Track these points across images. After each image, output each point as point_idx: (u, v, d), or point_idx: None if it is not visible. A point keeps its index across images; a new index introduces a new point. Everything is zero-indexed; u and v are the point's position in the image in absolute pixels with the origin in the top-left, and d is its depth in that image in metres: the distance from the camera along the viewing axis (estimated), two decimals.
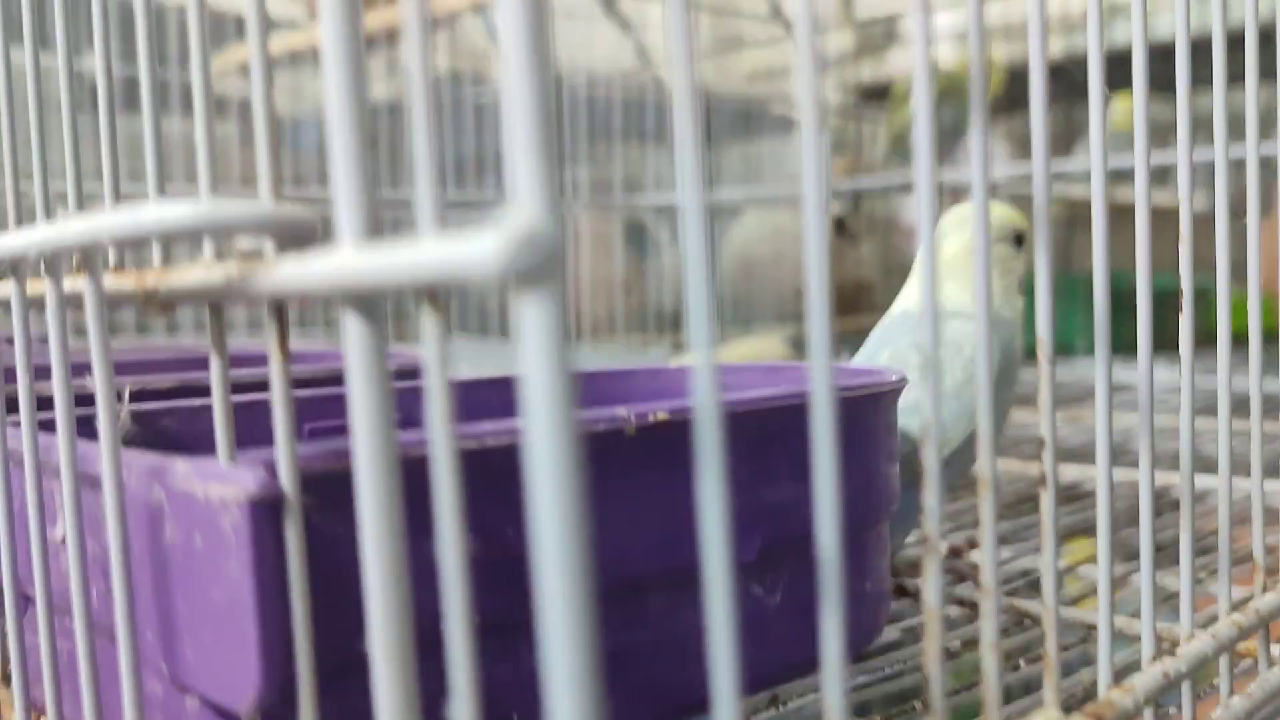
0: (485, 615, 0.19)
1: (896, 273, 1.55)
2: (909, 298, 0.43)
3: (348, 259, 0.17)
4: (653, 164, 1.35)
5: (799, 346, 1.18)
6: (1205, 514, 0.57)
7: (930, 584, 0.21)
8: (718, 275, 1.36)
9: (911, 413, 0.36)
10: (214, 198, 0.23)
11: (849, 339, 1.20)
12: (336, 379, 0.42)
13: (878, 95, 1.67)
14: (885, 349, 0.41)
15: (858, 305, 1.31)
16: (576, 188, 1.31)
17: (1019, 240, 0.42)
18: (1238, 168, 0.33)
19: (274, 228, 0.20)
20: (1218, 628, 0.31)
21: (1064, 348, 1.29)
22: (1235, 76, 0.30)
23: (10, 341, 0.28)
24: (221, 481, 0.23)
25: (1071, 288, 1.35)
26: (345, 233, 0.17)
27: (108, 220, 0.22)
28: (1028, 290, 0.44)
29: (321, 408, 0.39)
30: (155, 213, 0.21)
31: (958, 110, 1.32)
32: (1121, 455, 0.79)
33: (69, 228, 0.23)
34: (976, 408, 0.33)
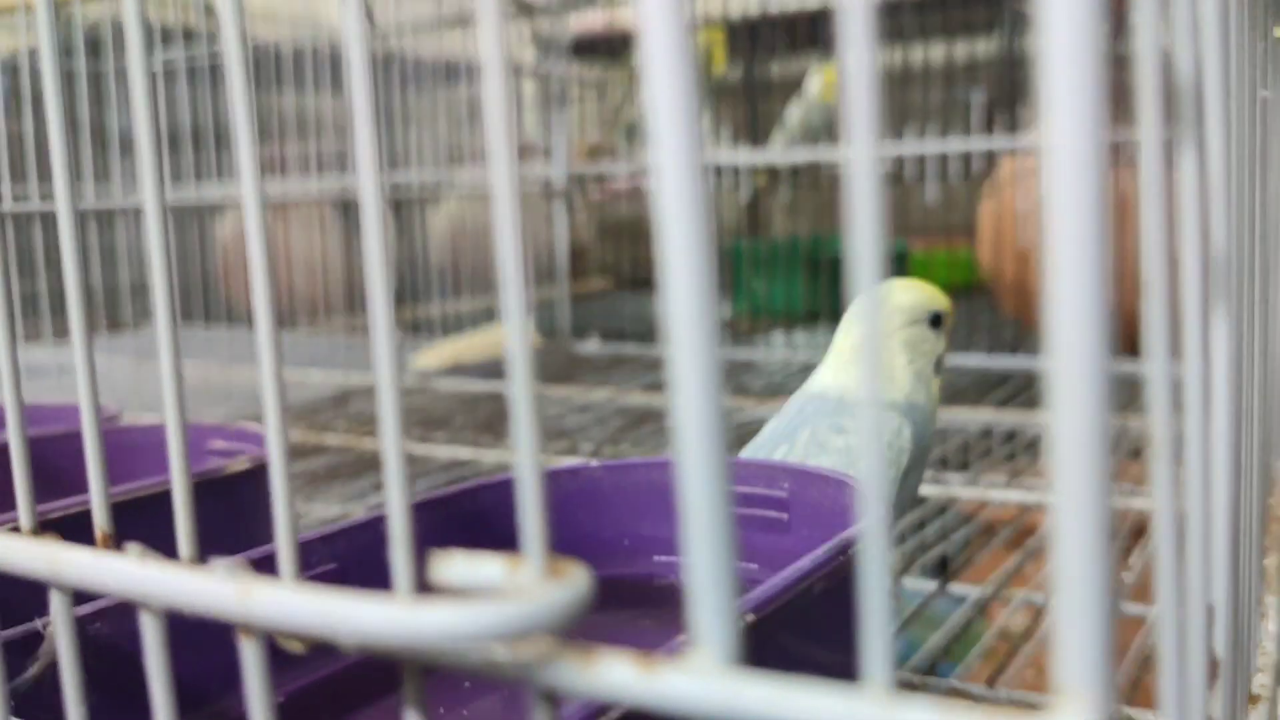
0: None
1: (610, 235, 1.68)
2: (824, 379, 0.42)
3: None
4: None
5: (548, 332, 1.30)
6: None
7: None
8: (429, 248, 1.36)
9: None
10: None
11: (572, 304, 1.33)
12: None
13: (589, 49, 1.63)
14: (804, 428, 0.40)
15: (575, 270, 1.42)
16: (285, 164, 1.28)
17: (936, 321, 0.42)
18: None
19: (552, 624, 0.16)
20: None
21: (768, 314, 1.48)
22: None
23: None
24: None
25: (773, 254, 1.50)
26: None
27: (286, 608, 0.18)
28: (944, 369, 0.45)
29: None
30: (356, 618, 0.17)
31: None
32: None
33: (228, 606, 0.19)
34: (894, 491, 0.39)
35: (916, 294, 0.42)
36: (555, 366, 1.20)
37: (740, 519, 0.35)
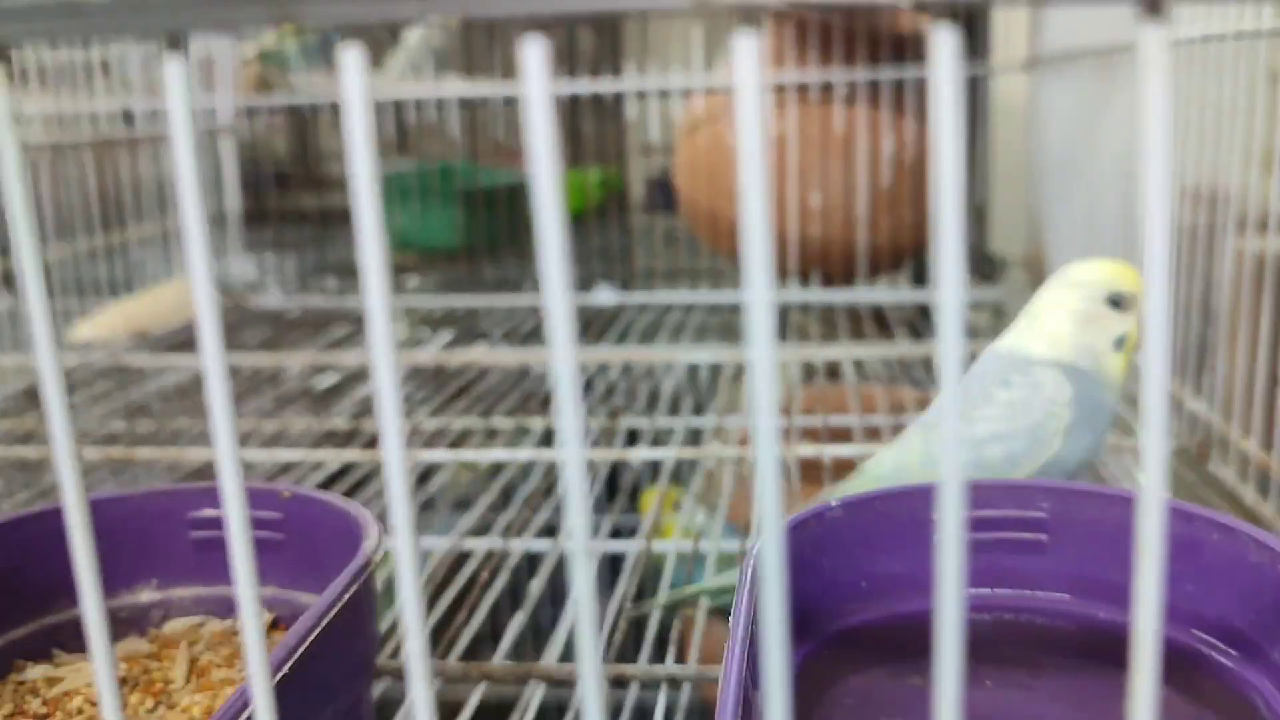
0: None
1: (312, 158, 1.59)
2: (1009, 339, 0.44)
3: None
4: None
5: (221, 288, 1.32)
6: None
7: None
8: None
9: (992, 442, 0.41)
10: None
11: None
12: None
13: None
14: (977, 382, 0.43)
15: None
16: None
17: (1116, 302, 0.42)
18: None
19: None
20: None
21: (416, 249, 1.36)
22: None
23: None
24: None
25: (423, 182, 1.33)
26: None
27: None
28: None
29: None
30: None
31: None
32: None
33: None
34: (1051, 446, 0.41)
35: (1097, 273, 0.43)
36: (242, 329, 1.09)
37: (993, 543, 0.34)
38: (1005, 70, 1.07)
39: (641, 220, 1.47)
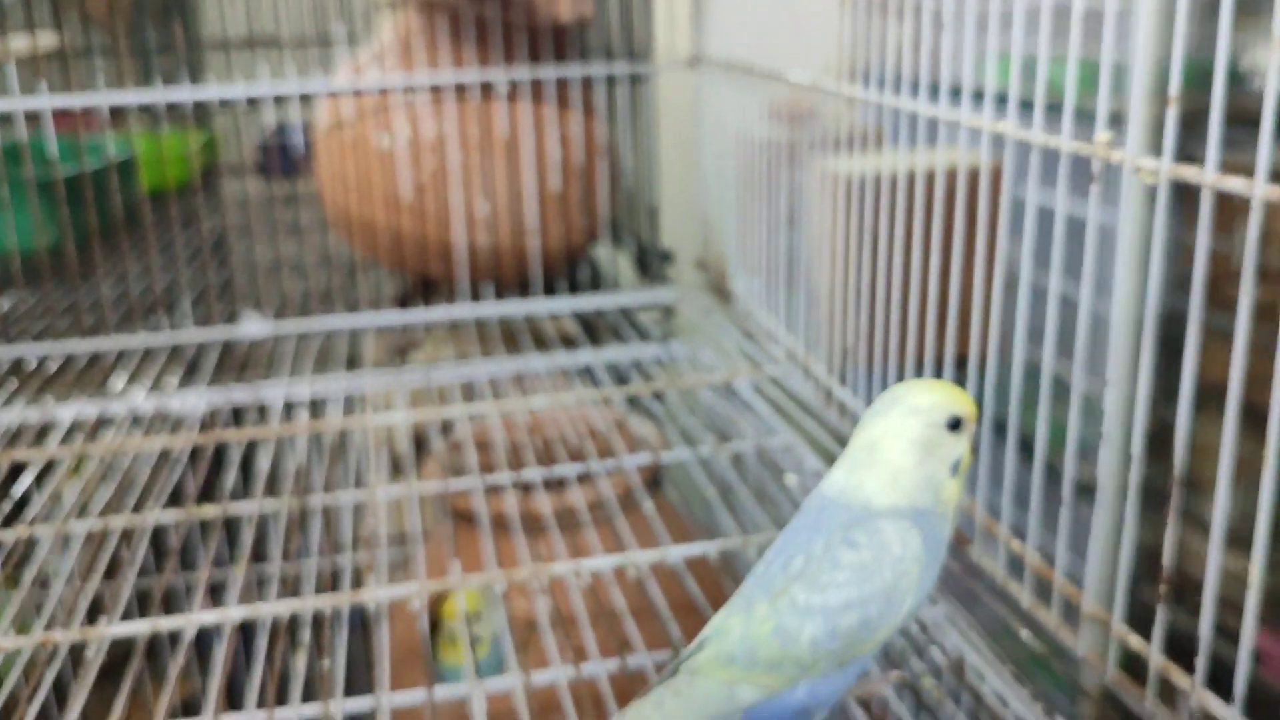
0: None
1: None
2: (838, 479, 0.42)
3: None
4: None
5: None
6: None
7: None
8: None
9: (846, 610, 0.39)
10: None
11: None
12: None
13: None
14: (819, 538, 0.41)
15: None
16: None
17: (955, 425, 0.41)
18: None
19: None
20: None
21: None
22: None
23: None
24: None
25: None
26: None
27: None
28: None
29: None
30: None
31: None
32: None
33: None
34: (905, 603, 0.40)
35: (934, 396, 0.41)
36: None
37: None
38: (669, 69, 1.04)
39: (258, 190, 1.30)
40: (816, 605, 0.39)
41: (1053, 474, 0.51)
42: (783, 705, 0.40)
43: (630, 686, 0.42)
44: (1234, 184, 0.38)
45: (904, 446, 0.41)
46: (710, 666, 0.40)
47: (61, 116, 0.94)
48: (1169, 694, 0.44)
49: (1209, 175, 0.39)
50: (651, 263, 1.11)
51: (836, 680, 0.41)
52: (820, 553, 0.40)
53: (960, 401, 0.42)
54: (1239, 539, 0.41)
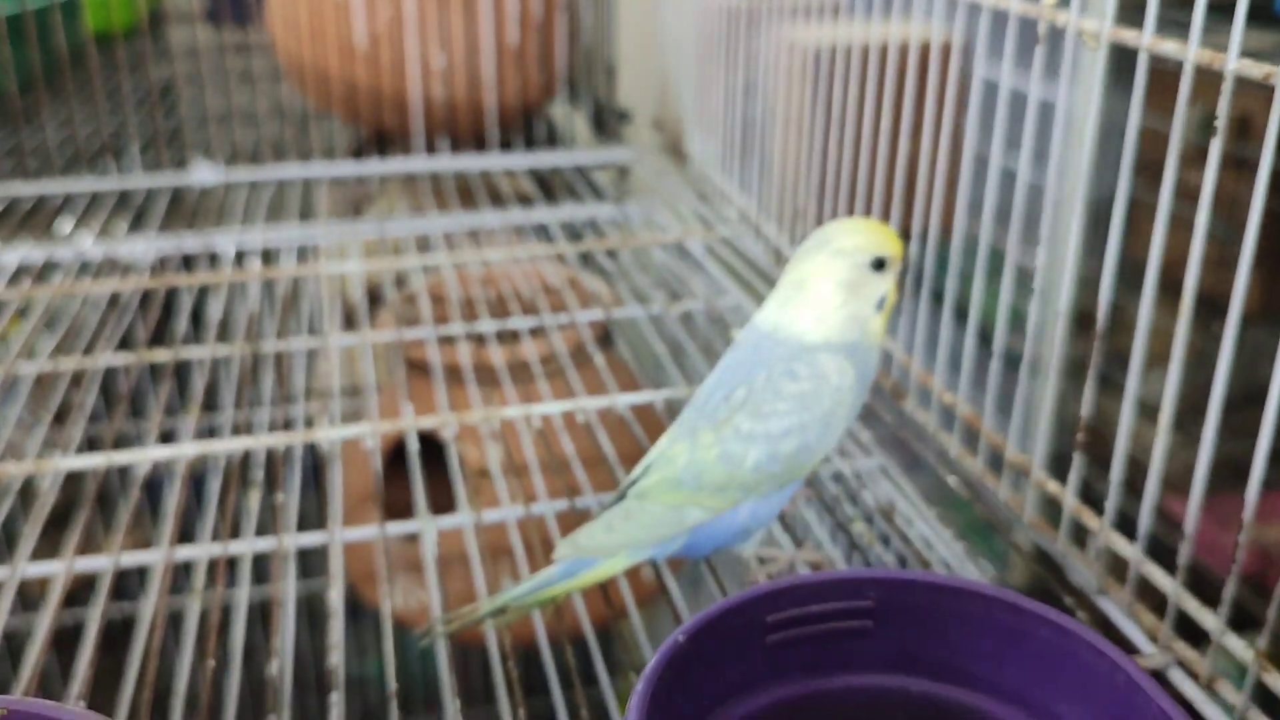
0: None
1: None
2: (771, 315, 0.44)
3: None
4: None
5: None
6: None
7: None
8: None
9: (786, 436, 0.41)
10: None
11: None
12: None
13: None
14: (760, 371, 0.43)
15: None
16: None
17: (879, 265, 0.43)
18: None
19: None
20: None
21: None
22: None
23: None
24: None
25: None
26: None
27: None
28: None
29: None
30: None
31: None
32: None
33: None
34: (840, 428, 0.42)
35: (860, 237, 0.43)
36: None
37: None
38: None
39: (208, 37, 1.26)
40: (760, 432, 0.42)
41: (984, 341, 0.53)
42: (726, 524, 0.43)
43: (578, 524, 0.44)
44: (1169, 48, 0.38)
45: (831, 287, 0.43)
46: (658, 490, 0.43)
47: None
48: (1081, 538, 0.47)
49: (1146, 38, 0.40)
50: (608, 121, 1.10)
51: (775, 500, 0.43)
52: (762, 384, 0.42)
53: (886, 242, 0.43)
54: (1151, 410, 0.43)
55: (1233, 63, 0.36)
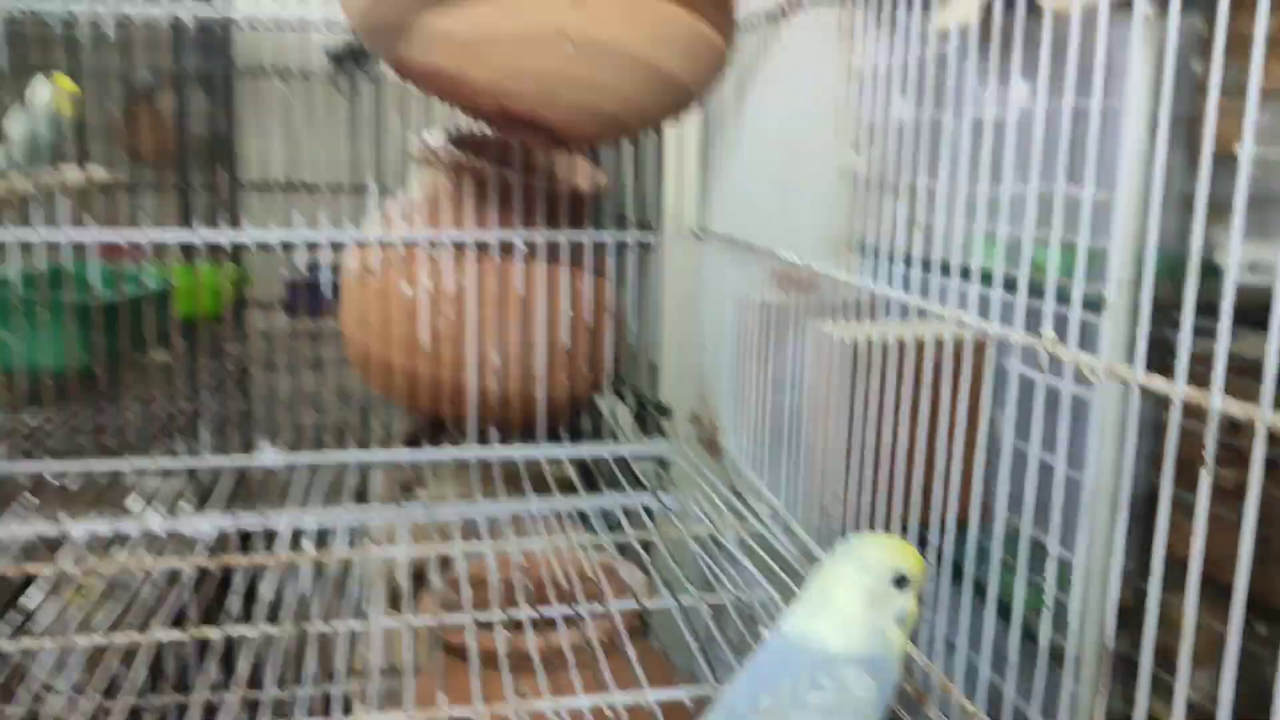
0: None
1: None
2: (798, 623, 0.46)
3: None
4: None
5: None
6: None
7: None
8: None
9: None
10: None
11: None
12: None
13: None
14: (786, 680, 0.44)
15: None
16: None
17: (900, 581, 0.45)
18: None
19: None
20: None
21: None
22: None
23: None
24: None
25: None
26: None
27: None
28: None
29: None
30: None
31: None
32: None
33: None
34: None
35: (883, 553, 0.45)
36: None
37: None
38: (675, 239, 1.12)
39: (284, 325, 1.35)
40: None
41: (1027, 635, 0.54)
42: None
43: None
44: (1158, 384, 0.42)
45: (853, 597, 0.45)
46: None
47: (106, 245, 1.01)
48: None
49: (1139, 375, 0.44)
50: (649, 416, 1.16)
51: None
52: (788, 694, 0.44)
53: (907, 560, 0.46)
54: (1204, 716, 0.43)
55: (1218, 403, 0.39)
